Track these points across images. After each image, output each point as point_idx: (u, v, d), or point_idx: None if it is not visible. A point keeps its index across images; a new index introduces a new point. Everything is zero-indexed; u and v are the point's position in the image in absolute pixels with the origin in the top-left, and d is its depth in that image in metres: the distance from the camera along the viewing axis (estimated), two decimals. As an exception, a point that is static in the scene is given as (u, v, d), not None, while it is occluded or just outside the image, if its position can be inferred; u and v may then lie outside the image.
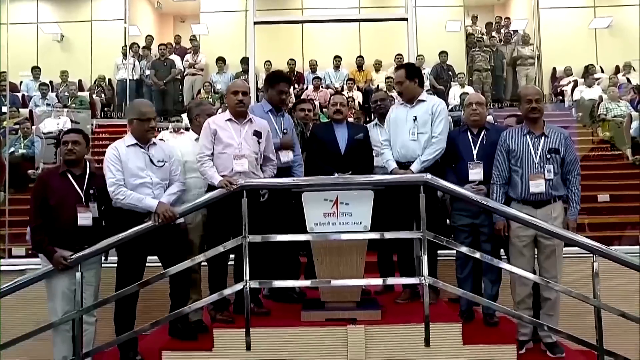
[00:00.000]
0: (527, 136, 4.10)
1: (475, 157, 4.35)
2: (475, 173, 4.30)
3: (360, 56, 11.53)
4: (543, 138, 4.08)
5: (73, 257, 3.83)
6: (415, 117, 4.53)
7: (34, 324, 3.94)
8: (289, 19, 8.72)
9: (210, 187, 4.05)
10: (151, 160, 4.02)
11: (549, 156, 4.03)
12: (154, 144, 4.11)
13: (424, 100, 4.55)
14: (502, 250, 4.39)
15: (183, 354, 3.85)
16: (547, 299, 4.06)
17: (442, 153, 4.44)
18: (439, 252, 4.47)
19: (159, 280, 3.93)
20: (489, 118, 4.79)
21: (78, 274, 3.84)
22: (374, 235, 3.95)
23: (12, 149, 8.54)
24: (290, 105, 5.23)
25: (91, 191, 3.95)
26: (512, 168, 4.11)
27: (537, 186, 3.99)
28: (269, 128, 4.39)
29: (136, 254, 3.94)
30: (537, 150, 4.05)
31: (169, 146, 4.25)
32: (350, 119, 6.71)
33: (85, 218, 3.89)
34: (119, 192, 3.89)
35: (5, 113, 9.22)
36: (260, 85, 7.80)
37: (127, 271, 3.93)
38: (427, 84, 7.90)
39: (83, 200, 3.92)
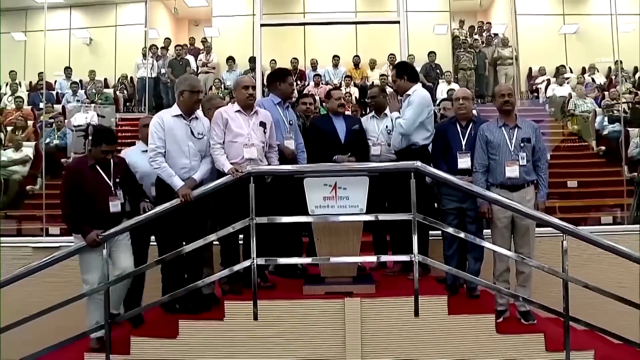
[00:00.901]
0: (503, 128, 4.12)
1: (463, 147, 4.33)
2: (464, 162, 4.29)
3: (356, 55, 11.44)
4: (516, 129, 4.10)
5: (101, 235, 3.83)
6: (400, 110, 4.52)
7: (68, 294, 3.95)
8: (292, 22, 8.71)
9: (221, 174, 4.01)
10: (192, 132, 4.00)
11: (522, 145, 4.05)
12: (196, 117, 4.08)
13: (409, 95, 4.51)
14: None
15: (198, 322, 3.86)
16: (521, 272, 4.08)
17: (405, 137, 4.40)
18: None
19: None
20: (474, 112, 4.74)
21: (105, 251, 3.83)
22: (369, 217, 3.94)
23: (47, 140, 8.54)
24: (294, 99, 5.21)
25: (117, 180, 3.94)
26: (491, 157, 4.12)
27: (512, 171, 4.01)
28: (278, 119, 4.41)
29: (171, 228, 3.97)
30: (512, 140, 4.07)
31: (208, 121, 4.20)
32: (348, 112, 6.67)
33: (115, 206, 3.91)
34: (155, 160, 3.91)
35: (42, 108, 9.21)
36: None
37: (166, 243, 4.00)
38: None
39: (112, 189, 3.91)
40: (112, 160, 3.98)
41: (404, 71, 4.58)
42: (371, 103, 5.12)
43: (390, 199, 4.47)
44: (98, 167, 3.93)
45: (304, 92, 9.30)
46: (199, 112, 4.19)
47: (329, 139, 4.72)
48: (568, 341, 3.66)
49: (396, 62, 5.10)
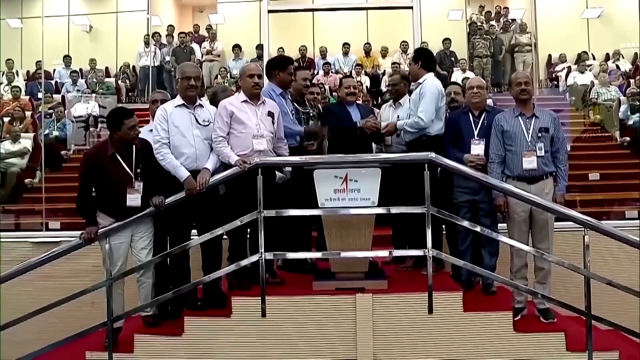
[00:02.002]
0: (519, 117, 4.10)
1: (476, 137, 4.31)
2: (478, 148, 4.27)
3: (367, 43, 11.43)
4: (534, 119, 4.08)
5: (101, 231, 3.85)
6: (410, 99, 4.50)
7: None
8: (300, 8, 8.69)
9: (228, 166, 4.02)
10: (197, 120, 4.03)
11: (540, 135, 4.02)
12: (200, 105, 4.11)
13: (420, 83, 4.49)
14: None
15: (204, 319, 3.88)
16: (540, 268, 4.05)
17: (421, 131, 4.38)
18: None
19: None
20: (489, 102, 4.71)
21: (107, 246, 3.86)
22: (381, 210, 3.94)
23: (46, 131, 8.59)
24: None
25: (138, 170, 3.92)
26: (507, 147, 4.10)
27: (529, 162, 3.99)
28: (285, 111, 4.41)
29: (177, 220, 4.00)
30: (529, 129, 4.04)
31: (213, 108, 4.22)
32: (359, 102, 6.67)
33: (133, 199, 3.88)
34: (160, 151, 3.93)
35: (41, 99, 9.25)
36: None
37: (174, 235, 4.03)
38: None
39: (133, 180, 3.89)
40: (134, 147, 3.98)
41: (420, 57, 4.57)
42: (391, 90, 5.10)
43: (404, 191, 4.46)
44: (119, 157, 3.92)
45: (313, 81, 9.31)
46: (204, 100, 4.20)
47: (345, 126, 4.72)
48: (591, 341, 3.65)
49: (417, 48, 5.07)
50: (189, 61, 10.47)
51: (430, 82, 4.46)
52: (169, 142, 3.95)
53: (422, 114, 4.33)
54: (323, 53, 11.21)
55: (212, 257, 4.06)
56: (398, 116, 4.79)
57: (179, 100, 4.06)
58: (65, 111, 9.16)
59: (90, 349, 3.90)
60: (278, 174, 4.25)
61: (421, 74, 4.52)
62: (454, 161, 4.05)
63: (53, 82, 10.56)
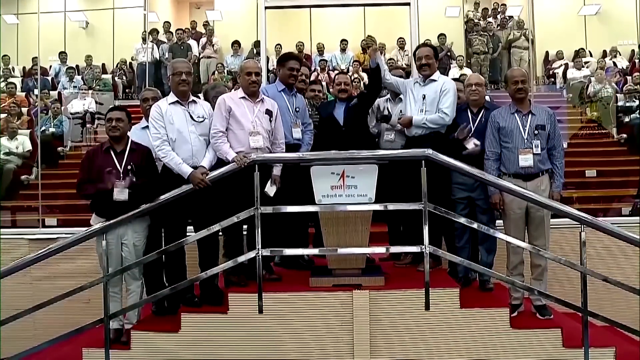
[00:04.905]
0: (516, 114, 4.10)
1: (475, 138, 4.30)
2: (473, 142, 4.27)
3: (365, 39, 11.44)
4: (530, 116, 4.08)
5: (96, 226, 3.84)
6: (425, 95, 4.48)
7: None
8: (297, 4, 8.67)
9: (224, 162, 4.01)
10: (191, 117, 4.02)
11: (536, 132, 4.03)
12: (194, 101, 4.11)
13: (435, 80, 4.50)
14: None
15: (201, 316, 3.88)
16: (537, 265, 4.06)
17: (444, 126, 4.40)
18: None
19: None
20: (486, 98, 4.70)
21: (104, 242, 3.85)
22: (378, 207, 3.93)
23: (43, 128, 8.56)
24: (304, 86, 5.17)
25: (129, 167, 3.90)
26: (503, 144, 4.10)
27: (526, 160, 3.99)
28: (282, 106, 4.39)
29: (175, 216, 3.99)
30: (525, 127, 4.04)
31: (208, 105, 4.23)
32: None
33: (120, 193, 3.83)
34: (162, 148, 3.91)
35: (37, 95, 9.22)
36: (272, 67, 7.77)
37: (170, 232, 4.01)
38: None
39: (121, 175, 3.86)
40: (128, 145, 3.98)
41: (437, 55, 4.64)
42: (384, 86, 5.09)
43: (403, 188, 4.47)
44: (112, 152, 3.94)
45: (312, 78, 9.29)
46: (201, 97, 4.19)
47: (329, 125, 4.75)
48: (587, 337, 3.66)
49: (426, 43, 5.07)
50: (186, 58, 10.48)
51: (449, 80, 4.53)
52: (168, 139, 3.95)
53: (447, 110, 4.36)
54: (320, 50, 11.19)
55: (208, 254, 4.05)
56: (401, 111, 4.77)
57: (172, 97, 4.05)
58: (62, 108, 9.16)
59: (87, 345, 3.89)
60: (268, 186, 4.09)
61: (435, 71, 4.56)
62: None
63: (49, 78, 10.54)
